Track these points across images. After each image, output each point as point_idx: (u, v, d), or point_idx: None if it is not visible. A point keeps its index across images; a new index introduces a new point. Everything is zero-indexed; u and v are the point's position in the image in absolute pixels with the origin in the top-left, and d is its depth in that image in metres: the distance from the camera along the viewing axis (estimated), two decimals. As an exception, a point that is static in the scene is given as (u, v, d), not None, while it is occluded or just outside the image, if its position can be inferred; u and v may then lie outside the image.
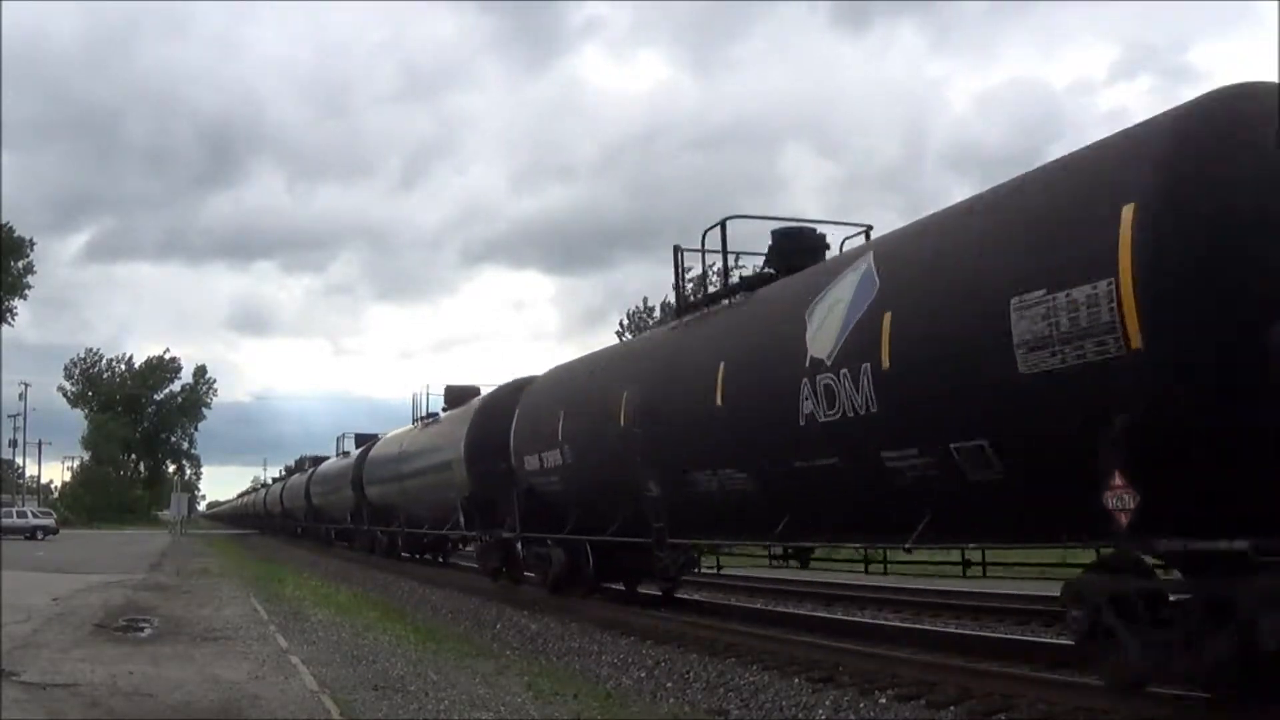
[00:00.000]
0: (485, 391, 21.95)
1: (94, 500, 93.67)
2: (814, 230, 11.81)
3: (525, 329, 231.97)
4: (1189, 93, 7.57)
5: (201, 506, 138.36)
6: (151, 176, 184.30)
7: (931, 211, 9.08)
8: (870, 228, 11.09)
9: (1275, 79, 6.29)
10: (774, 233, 11.83)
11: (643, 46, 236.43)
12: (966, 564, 16.02)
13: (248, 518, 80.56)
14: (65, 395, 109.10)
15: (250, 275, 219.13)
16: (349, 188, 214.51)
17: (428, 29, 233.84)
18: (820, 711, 7.92)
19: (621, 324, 50.54)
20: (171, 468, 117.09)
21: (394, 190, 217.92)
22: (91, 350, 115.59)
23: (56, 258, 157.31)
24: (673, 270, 13.18)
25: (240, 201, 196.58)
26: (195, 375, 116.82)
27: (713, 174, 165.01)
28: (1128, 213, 6.09)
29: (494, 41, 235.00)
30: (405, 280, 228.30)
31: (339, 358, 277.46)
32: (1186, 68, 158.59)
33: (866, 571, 19.10)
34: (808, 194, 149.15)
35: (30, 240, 66.94)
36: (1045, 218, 6.96)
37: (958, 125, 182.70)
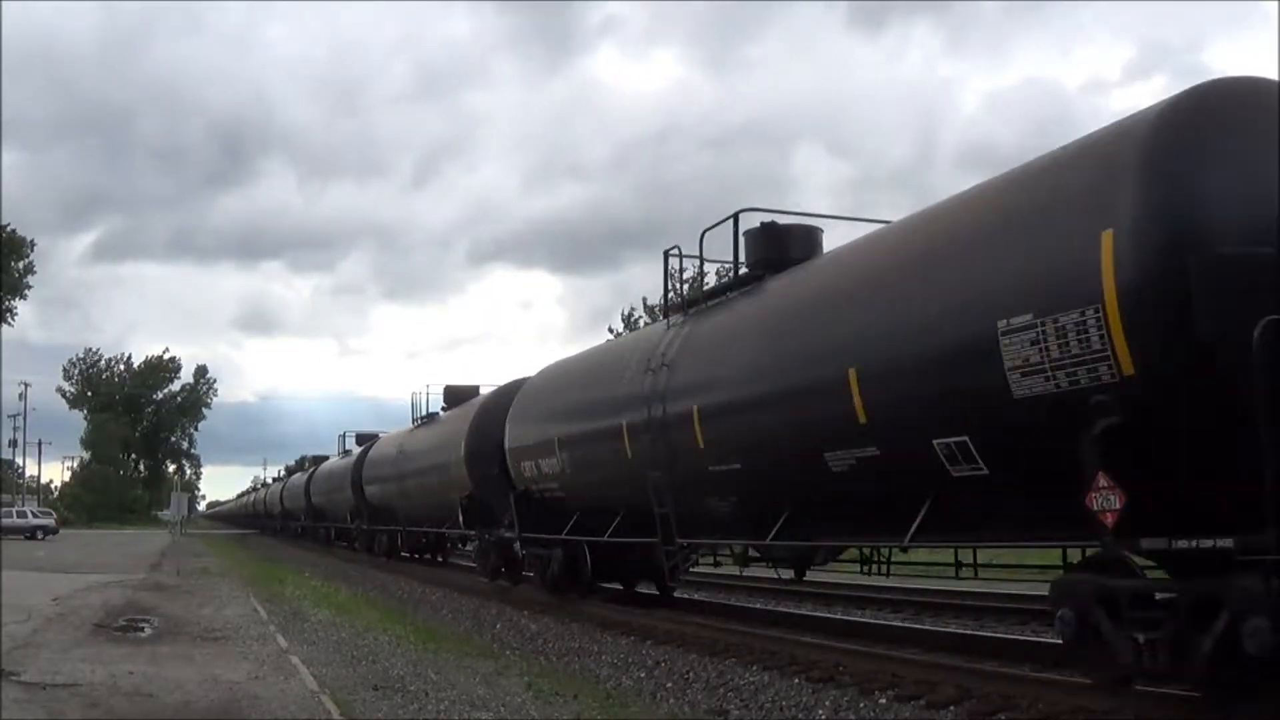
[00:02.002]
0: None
1: (94, 500, 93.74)
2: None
3: (532, 329, 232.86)
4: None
5: (201, 506, 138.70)
6: (162, 175, 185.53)
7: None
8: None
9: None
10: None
11: (657, 46, 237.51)
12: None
13: (247, 518, 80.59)
14: (64, 396, 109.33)
15: (258, 275, 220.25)
16: (360, 187, 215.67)
17: (443, 28, 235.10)
18: (820, 711, 7.92)
19: (611, 329, 49.72)
20: (171, 468, 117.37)
21: (405, 190, 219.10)
22: (91, 350, 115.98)
23: (63, 258, 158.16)
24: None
25: (250, 201, 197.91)
26: (195, 375, 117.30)
27: (725, 174, 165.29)
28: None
29: (509, 40, 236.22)
30: (413, 280, 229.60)
31: (345, 358, 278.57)
32: (1201, 67, 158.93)
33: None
34: (819, 193, 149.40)
35: (31, 241, 67.10)
36: None
37: (970, 125, 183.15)
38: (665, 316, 13.18)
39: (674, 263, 13.20)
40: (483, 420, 19.18)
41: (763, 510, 10.22)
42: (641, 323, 46.09)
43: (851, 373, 8.27)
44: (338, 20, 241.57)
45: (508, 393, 18.52)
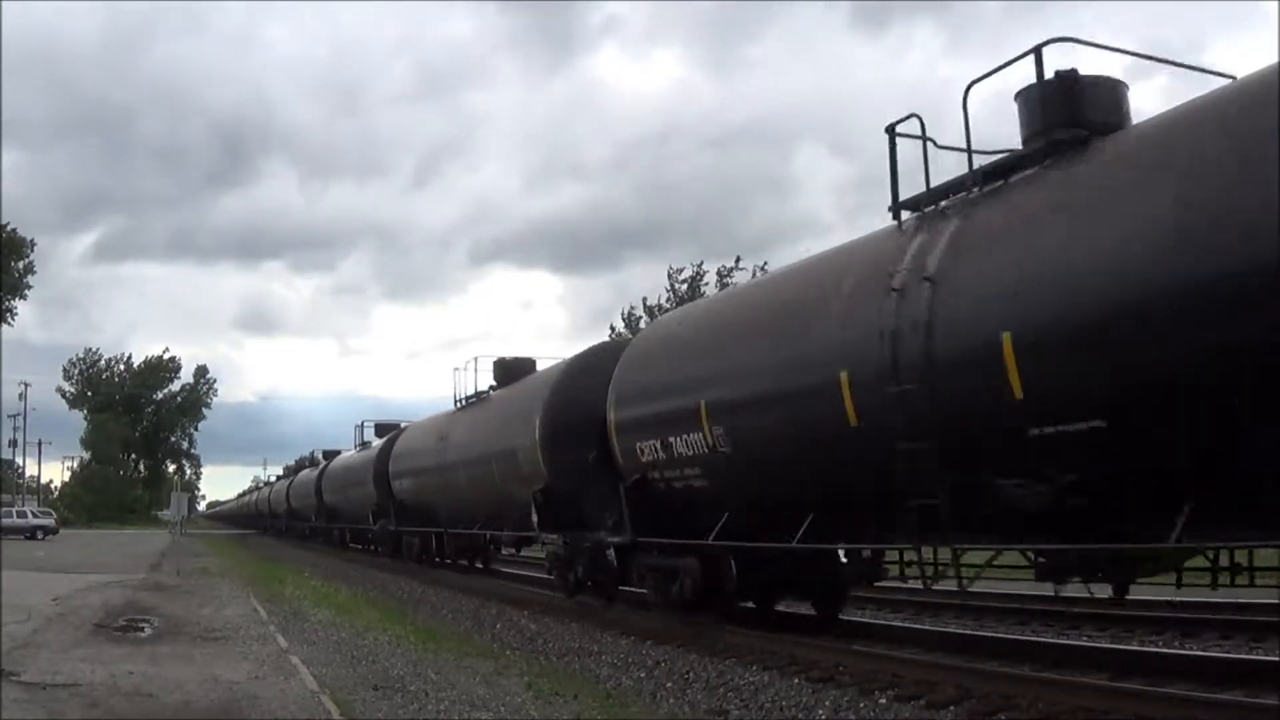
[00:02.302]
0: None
1: (94, 500, 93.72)
2: None
3: (533, 329, 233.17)
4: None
5: (201, 506, 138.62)
6: (162, 175, 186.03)
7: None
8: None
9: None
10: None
11: (658, 46, 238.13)
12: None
13: (248, 518, 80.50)
14: (64, 396, 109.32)
15: (259, 275, 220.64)
16: (361, 187, 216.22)
17: (444, 28, 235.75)
18: (820, 711, 7.92)
19: (611, 328, 49.19)
20: (171, 468, 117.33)
21: (406, 190, 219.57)
22: (90, 350, 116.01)
23: (63, 258, 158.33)
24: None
25: (251, 201, 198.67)
26: (195, 375, 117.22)
27: (725, 174, 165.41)
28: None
29: (510, 40, 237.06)
30: (414, 280, 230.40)
31: (345, 358, 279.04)
32: (1203, 68, 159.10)
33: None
34: (821, 193, 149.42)
35: (31, 241, 67.03)
36: None
37: (971, 125, 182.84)
38: (895, 217, 9.44)
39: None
40: (566, 393, 15.43)
41: (1138, 492, 6.88)
42: (641, 323, 45.01)
43: None
44: (338, 20, 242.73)
45: (604, 352, 15.27)
